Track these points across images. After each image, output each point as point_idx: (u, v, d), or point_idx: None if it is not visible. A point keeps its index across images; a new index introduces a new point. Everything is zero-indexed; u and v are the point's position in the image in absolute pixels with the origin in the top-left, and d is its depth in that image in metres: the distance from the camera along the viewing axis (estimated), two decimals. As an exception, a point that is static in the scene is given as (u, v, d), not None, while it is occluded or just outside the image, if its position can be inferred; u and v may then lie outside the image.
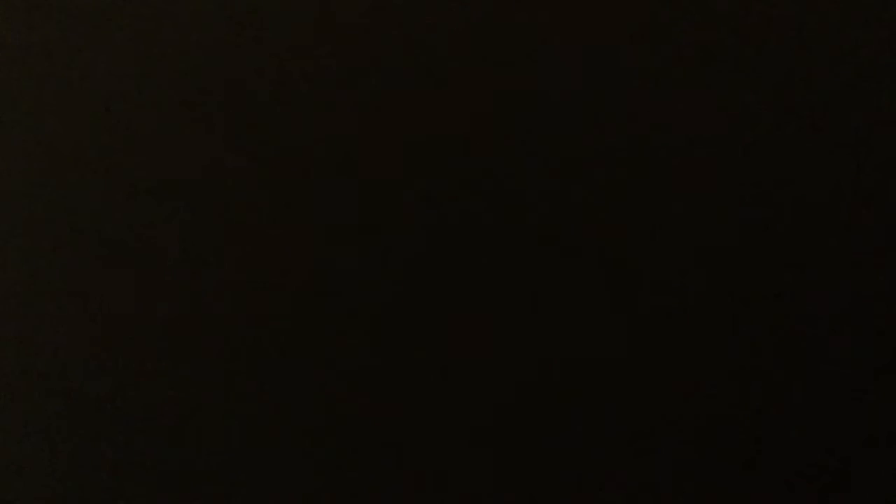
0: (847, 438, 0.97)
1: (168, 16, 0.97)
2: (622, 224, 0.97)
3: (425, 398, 0.97)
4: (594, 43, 0.98)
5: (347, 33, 0.98)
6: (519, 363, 0.97)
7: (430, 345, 0.97)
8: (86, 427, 0.97)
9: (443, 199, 0.97)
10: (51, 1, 0.98)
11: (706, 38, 0.98)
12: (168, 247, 0.97)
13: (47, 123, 0.97)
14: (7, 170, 0.98)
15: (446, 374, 0.97)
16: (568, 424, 0.97)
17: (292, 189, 0.97)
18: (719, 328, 0.97)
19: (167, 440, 0.97)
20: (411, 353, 0.97)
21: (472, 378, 0.97)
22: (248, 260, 0.97)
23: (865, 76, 0.98)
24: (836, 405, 0.97)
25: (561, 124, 0.98)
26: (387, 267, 0.97)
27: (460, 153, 0.98)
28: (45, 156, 0.98)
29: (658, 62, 0.98)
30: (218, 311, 0.97)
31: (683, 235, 0.97)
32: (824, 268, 0.97)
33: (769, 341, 0.97)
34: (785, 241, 0.97)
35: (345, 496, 0.97)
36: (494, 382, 0.97)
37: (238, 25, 0.97)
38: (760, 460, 0.96)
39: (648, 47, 0.98)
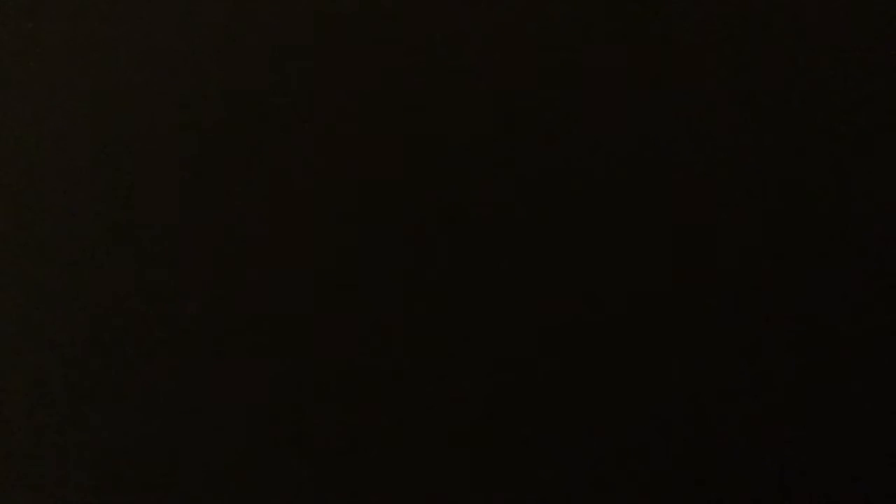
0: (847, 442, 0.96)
1: (168, 16, 0.98)
2: (622, 225, 0.97)
3: (424, 399, 0.97)
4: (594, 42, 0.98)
5: (347, 34, 0.98)
6: (516, 361, 0.97)
7: (427, 346, 0.97)
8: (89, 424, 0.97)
9: (441, 199, 0.98)
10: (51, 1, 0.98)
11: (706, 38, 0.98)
12: (168, 246, 0.98)
13: (47, 123, 0.98)
14: (8, 169, 0.98)
15: (442, 374, 0.97)
16: (566, 424, 0.97)
17: (292, 189, 0.98)
18: (721, 331, 0.97)
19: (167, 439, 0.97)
20: (408, 353, 0.97)
21: (471, 378, 0.97)
22: (247, 260, 0.98)
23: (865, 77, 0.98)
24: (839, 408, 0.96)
25: (560, 124, 0.98)
26: (387, 266, 0.98)
27: (459, 152, 0.98)
28: (44, 155, 0.98)
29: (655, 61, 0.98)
30: (218, 311, 0.97)
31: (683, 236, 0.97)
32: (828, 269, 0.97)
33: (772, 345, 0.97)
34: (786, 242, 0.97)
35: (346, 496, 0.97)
36: (494, 382, 0.97)
37: (236, 27, 0.98)
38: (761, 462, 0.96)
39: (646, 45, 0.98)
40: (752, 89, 0.98)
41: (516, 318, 0.97)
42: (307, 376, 0.97)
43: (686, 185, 0.97)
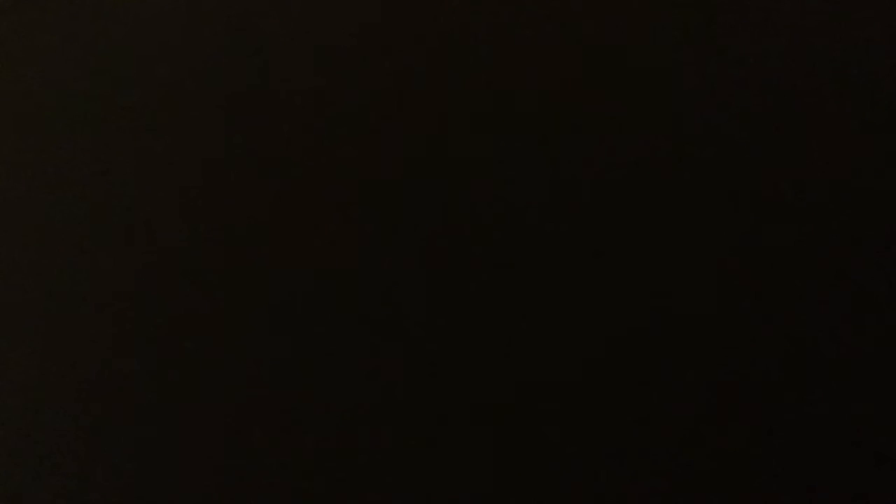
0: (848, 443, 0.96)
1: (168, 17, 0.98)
2: (622, 226, 0.97)
3: (424, 400, 0.97)
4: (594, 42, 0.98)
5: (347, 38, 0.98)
6: (517, 364, 0.97)
7: (426, 347, 0.97)
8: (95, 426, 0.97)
9: (442, 199, 0.98)
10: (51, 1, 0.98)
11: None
12: (168, 247, 0.97)
13: (47, 123, 0.98)
14: (9, 170, 0.98)
15: (445, 376, 0.97)
16: (569, 424, 0.97)
17: (292, 191, 0.98)
18: (719, 331, 0.97)
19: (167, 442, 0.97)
20: (408, 355, 0.97)
21: (470, 379, 0.97)
22: (249, 261, 0.98)
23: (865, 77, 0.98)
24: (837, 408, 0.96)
25: (560, 124, 0.98)
26: (388, 268, 0.98)
27: (459, 153, 0.98)
28: (44, 156, 0.98)
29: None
30: (220, 312, 0.97)
31: (682, 237, 0.97)
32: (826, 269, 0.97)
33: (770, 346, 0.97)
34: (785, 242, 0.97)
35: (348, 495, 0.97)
36: (493, 382, 0.97)
37: (235, 28, 0.98)
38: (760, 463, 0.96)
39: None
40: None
41: (518, 320, 0.97)
42: (308, 375, 0.97)
43: (699, 185, 0.98)
